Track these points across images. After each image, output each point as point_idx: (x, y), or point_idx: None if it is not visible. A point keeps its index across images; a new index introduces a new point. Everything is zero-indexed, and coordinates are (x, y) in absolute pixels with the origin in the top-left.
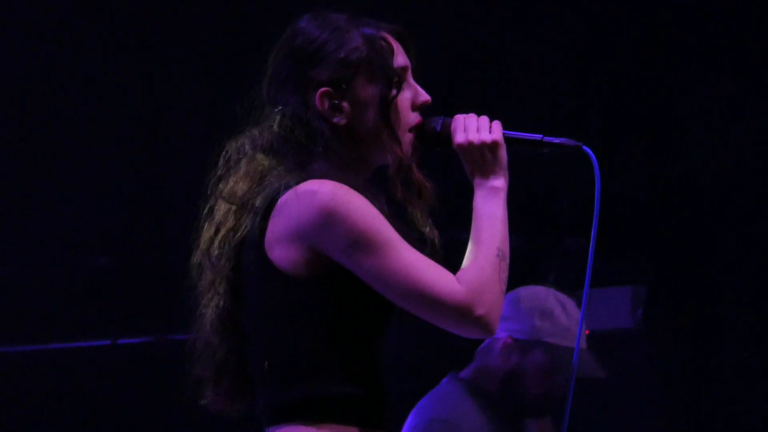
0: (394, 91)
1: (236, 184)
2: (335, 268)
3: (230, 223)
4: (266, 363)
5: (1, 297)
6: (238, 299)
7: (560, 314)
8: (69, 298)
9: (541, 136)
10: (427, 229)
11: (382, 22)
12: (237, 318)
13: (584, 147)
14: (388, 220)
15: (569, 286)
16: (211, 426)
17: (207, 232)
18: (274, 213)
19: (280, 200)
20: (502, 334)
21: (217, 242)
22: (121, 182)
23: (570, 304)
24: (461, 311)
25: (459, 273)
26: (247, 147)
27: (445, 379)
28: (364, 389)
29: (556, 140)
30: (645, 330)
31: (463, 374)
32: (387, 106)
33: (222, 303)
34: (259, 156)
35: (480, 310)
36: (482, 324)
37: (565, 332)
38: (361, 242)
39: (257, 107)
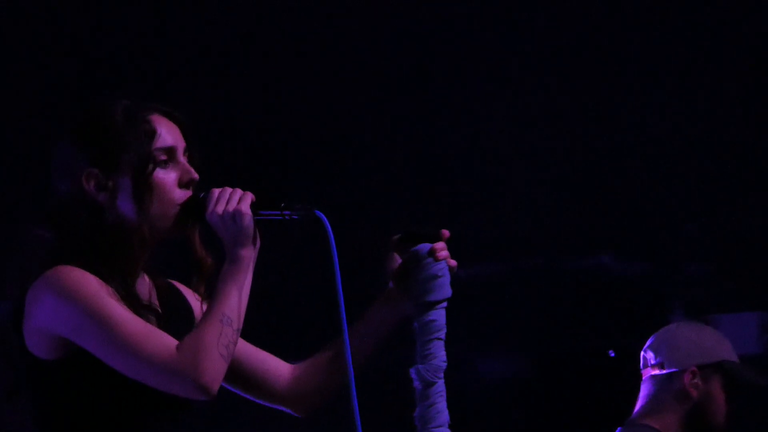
0: (149, 170)
1: (23, 264)
2: (76, 349)
3: (7, 310)
4: None
5: None
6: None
7: (710, 334)
8: None
9: (282, 204)
10: (203, 304)
11: (160, 105)
12: (14, 403)
13: (316, 211)
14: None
15: (695, 313)
16: None
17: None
18: (27, 300)
19: (30, 289)
20: (683, 366)
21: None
22: None
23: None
24: (175, 374)
25: (182, 341)
26: (35, 230)
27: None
28: None
29: (294, 208)
30: None
31: (639, 418)
32: (142, 184)
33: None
34: (40, 239)
35: (194, 373)
36: (198, 386)
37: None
38: (85, 323)
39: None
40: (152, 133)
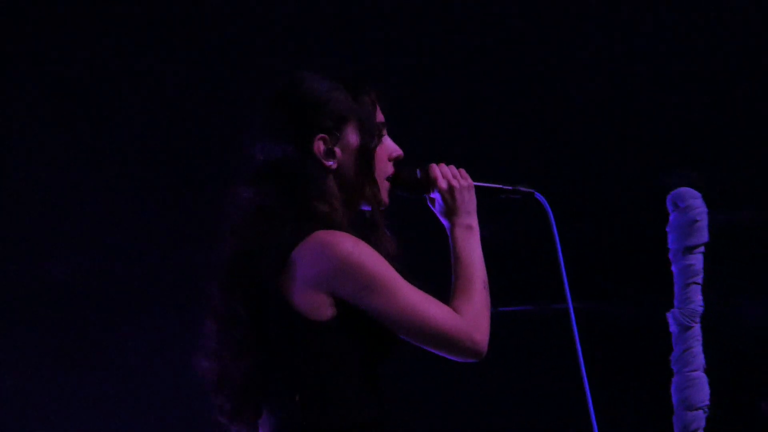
0: (375, 141)
1: (244, 228)
2: (350, 309)
3: (242, 266)
4: (296, 396)
5: None
6: (253, 338)
7: None
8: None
9: (500, 184)
10: None
11: (365, 81)
12: (253, 353)
13: (536, 194)
14: (390, 261)
15: None
16: None
17: (221, 275)
18: (291, 261)
19: (296, 250)
20: None
21: (228, 284)
22: None
23: None
24: (463, 340)
25: (456, 306)
26: (247, 193)
27: None
28: (377, 412)
29: (512, 188)
30: None
31: None
32: (370, 155)
33: (237, 340)
34: (260, 200)
35: (478, 336)
36: (478, 349)
37: None
38: (371, 287)
39: (249, 157)
40: (375, 106)
